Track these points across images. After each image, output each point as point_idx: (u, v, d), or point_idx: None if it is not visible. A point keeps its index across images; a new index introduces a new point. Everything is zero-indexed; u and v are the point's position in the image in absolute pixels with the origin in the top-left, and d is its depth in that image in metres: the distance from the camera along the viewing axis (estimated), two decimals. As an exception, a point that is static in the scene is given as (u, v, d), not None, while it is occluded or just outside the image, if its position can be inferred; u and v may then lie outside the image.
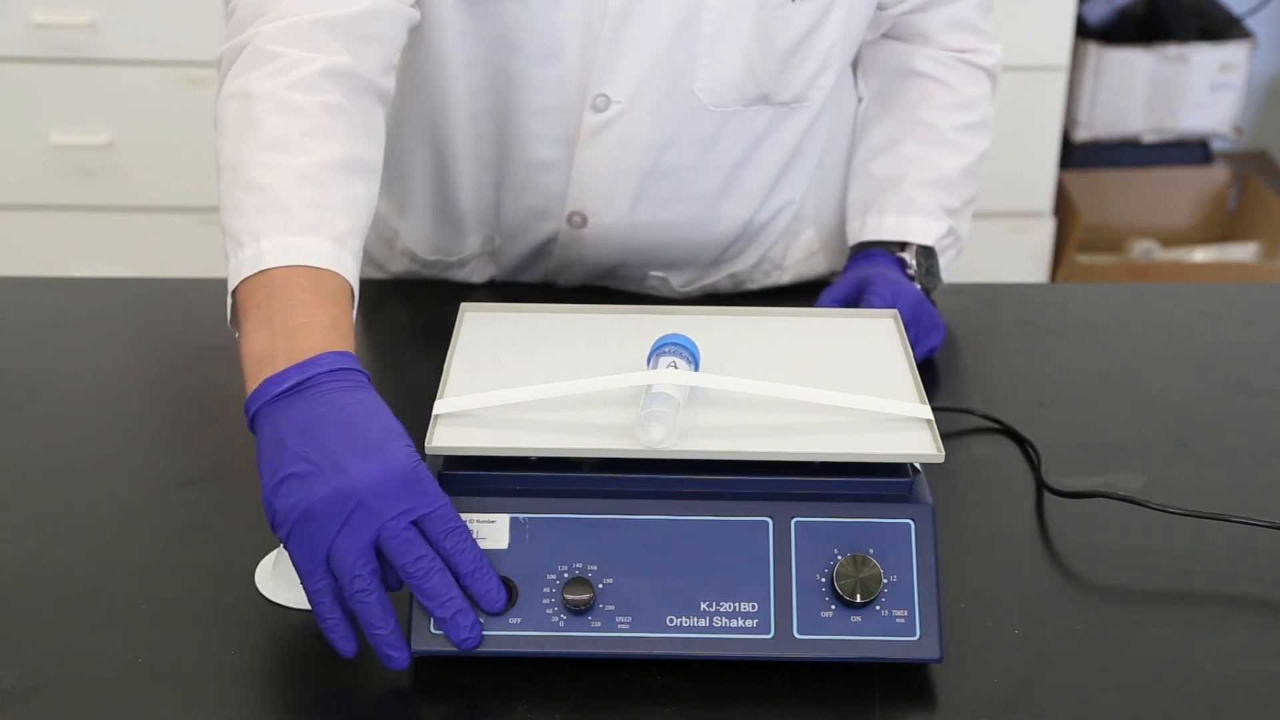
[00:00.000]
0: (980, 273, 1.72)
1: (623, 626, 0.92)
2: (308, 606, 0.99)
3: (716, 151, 1.38)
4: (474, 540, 0.92)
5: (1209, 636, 0.99)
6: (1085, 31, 3.18)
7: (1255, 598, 1.04)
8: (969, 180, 1.45)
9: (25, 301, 1.48)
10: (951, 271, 1.45)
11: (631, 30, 1.29)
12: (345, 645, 0.92)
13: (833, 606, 0.93)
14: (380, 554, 0.90)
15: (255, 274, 0.99)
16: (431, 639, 0.92)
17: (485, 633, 0.92)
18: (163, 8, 2.88)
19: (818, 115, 1.40)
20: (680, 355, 1.02)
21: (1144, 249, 3.22)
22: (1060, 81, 3.02)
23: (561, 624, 0.92)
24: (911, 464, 0.97)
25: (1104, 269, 3.15)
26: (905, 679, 0.94)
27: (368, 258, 1.57)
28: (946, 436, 1.08)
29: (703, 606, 0.93)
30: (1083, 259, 3.16)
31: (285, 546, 0.91)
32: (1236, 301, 1.54)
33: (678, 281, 1.49)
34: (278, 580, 1.02)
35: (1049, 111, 3.04)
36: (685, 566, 0.93)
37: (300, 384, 0.93)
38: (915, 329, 1.31)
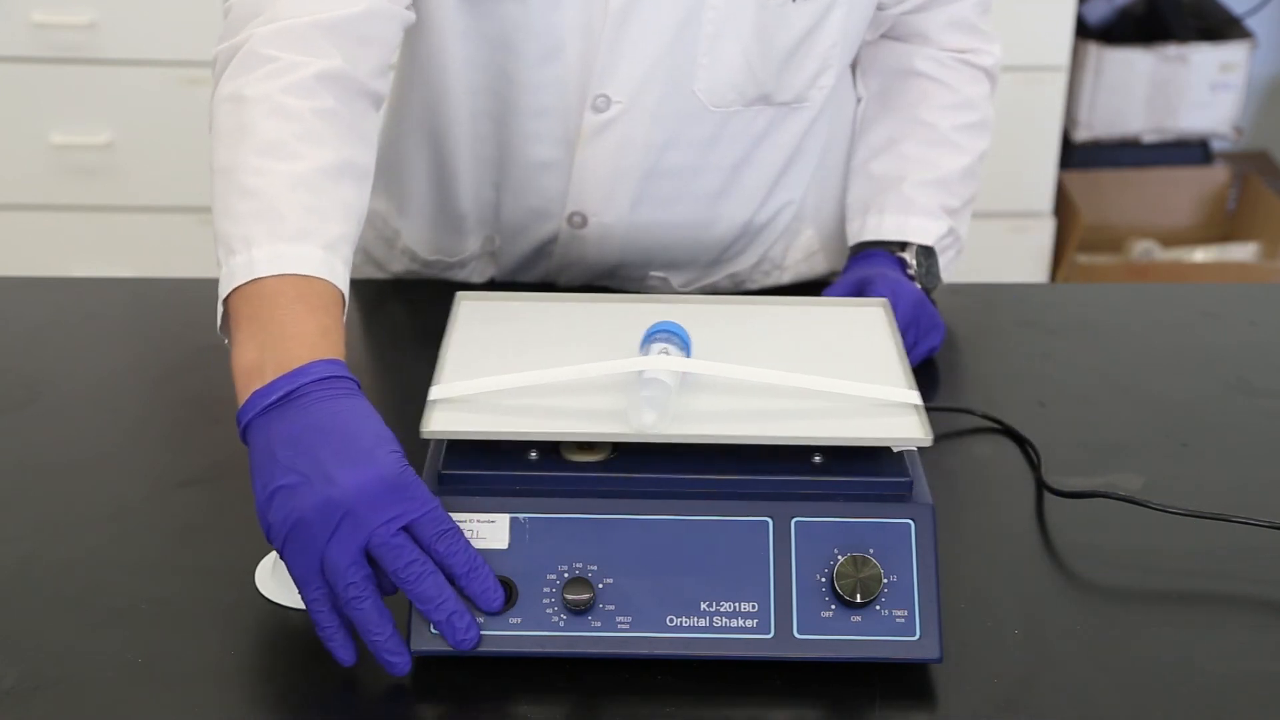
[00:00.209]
0: (980, 273, 1.72)
1: (623, 626, 0.92)
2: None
3: (717, 151, 1.38)
4: (467, 542, 0.91)
5: (1209, 636, 0.99)
6: (1085, 31, 3.18)
7: (1255, 598, 1.04)
8: (969, 180, 1.45)
9: (25, 301, 1.48)
10: (951, 271, 1.45)
11: (632, 30, 1.29)
12: (343, 654, 0.92)
13: (833, 606, 0.93)
14: (375, 560, 0.90)
15: (246, 283, 0.99)
16: (431, 639, 0.92)
17: (485, 633, 0.92)
18: (163, 8, 2.88)
19: (818, 115, 1.40)
20: (672, 342, 1.03)
21: (1144, 249, 3.22)
22: (1060, 81, 3.02)
23: (561, 624, 0.92)
24: (910, 464, 0.97)
25: (1104, 269, 3.15)
26: (905, 679, 0.94)
27: (368, 258, 1.57)
28: (946, 436, 1.08)
29: (703, 606, 0.93)
30: (1083, 259, 3.16)
31: (281, 557, 0.91)
32: (1236, 301, 1.54)
33: (678, 281, 1.49)
34: (278, 580, 1.02)
35: (1049, 111, 3.04)
36: (685, 566, 0.93)
37: (289, 394, 0.93)
38: (915, 329, 1.31)
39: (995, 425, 1.25)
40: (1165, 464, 1.20)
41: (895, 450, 0.97)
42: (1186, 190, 3.30)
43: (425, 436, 0.94)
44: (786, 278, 1.53)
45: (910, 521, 0.94)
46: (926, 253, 1.40)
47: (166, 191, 3.01)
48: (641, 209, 1.40)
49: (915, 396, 0.99)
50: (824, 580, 0.93)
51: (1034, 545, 1.09)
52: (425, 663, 0.94)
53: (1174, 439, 1.24)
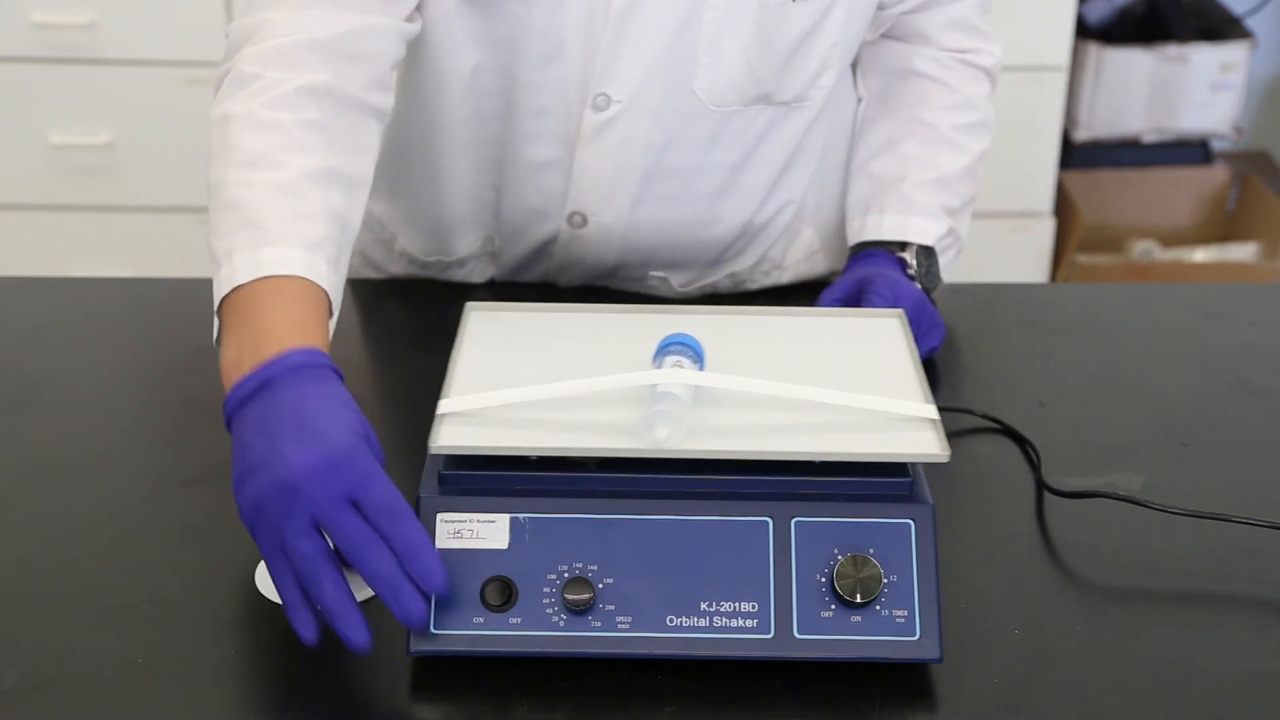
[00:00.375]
0: (980, 273, 1.72)
1: (623, 626, 0.92)
2: (308, 606, 0.99)
3: (717, 151, 1.38)
4: (414, 522, 0.90)
5: (1209, 636, 0.99)
6: (1085, 31, 3.18)
7: (1255, 598, 1.04)
8: (969, 180, 1.45)
9: (25, 301, 1.48)
10: (951, 272, 1.45)
11: (633, 29, 1.29)
12: (305, 631, 0.92)
13: (833, 606, 0.93)
14: None
15: (230, 292, 1.03)
16: (431, 639, 0.92)
17: (485, 633, 0.92)
18: (163, 8, 2.88)
19: (818, 115, 1.40)
20: (685, 355, 1.02)
21: (1144, 249, 3.22)
22: (1060, 81, 3.02)
23: (561, 624, 0.92)
24: (911, 465, 0.97)
25: (1104, 269, 3.15)
26: (905, 679, 0.94)
27: (366, 261, 1.57)
28: (946, 437, 1.07)
29: (703, 606, 0.93)
30: (1083, 259, 3.16)
31: (255, 540, 0.93)
32: (1237, 301, 1.54)
33: (678, 281, 1.49)
34: (278, 580, 1.02)
35: (1049, 111, 3.04)
36: (685, 566, 0.93)
37: (262, 384, 0.96)
38: (916, 329, 1.31)
39: (995, 425, 1.25)
40: (1165, 464, 1.20)
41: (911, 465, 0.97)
42: (1186, 190, 3.30)
43: (434, 452, 0.94)
44: (786, 277, 1.53)
45: (910, 521, 0.94)
46: (927, 253, 1.40)
47: (166, 191, 3.01)
48: (642, 208, 1.40)
49: (932, 411, 0.99)
50: (824, 580, 0.93)
51: (1034, 545, 1.09)
52: (425, 662, 0.94)
53: (1174, 439, 1.24)
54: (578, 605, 0.92)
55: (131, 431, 1.24)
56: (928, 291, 1.38)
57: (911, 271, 1.38)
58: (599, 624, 0.92)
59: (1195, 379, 1.35)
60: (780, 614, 0.92)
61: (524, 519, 0.94)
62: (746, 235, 1.47)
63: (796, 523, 0.94)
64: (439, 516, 0.94)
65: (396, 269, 1.54)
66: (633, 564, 0.93)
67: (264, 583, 1.02)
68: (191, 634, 0.98)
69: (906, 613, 0.92)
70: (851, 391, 0.99)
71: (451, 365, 1.04)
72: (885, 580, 0.92)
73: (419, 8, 1.26)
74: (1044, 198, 3.11)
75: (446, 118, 1.38)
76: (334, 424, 0.93)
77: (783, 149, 1.41)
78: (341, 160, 1.13)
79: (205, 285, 1.48)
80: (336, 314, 1.09)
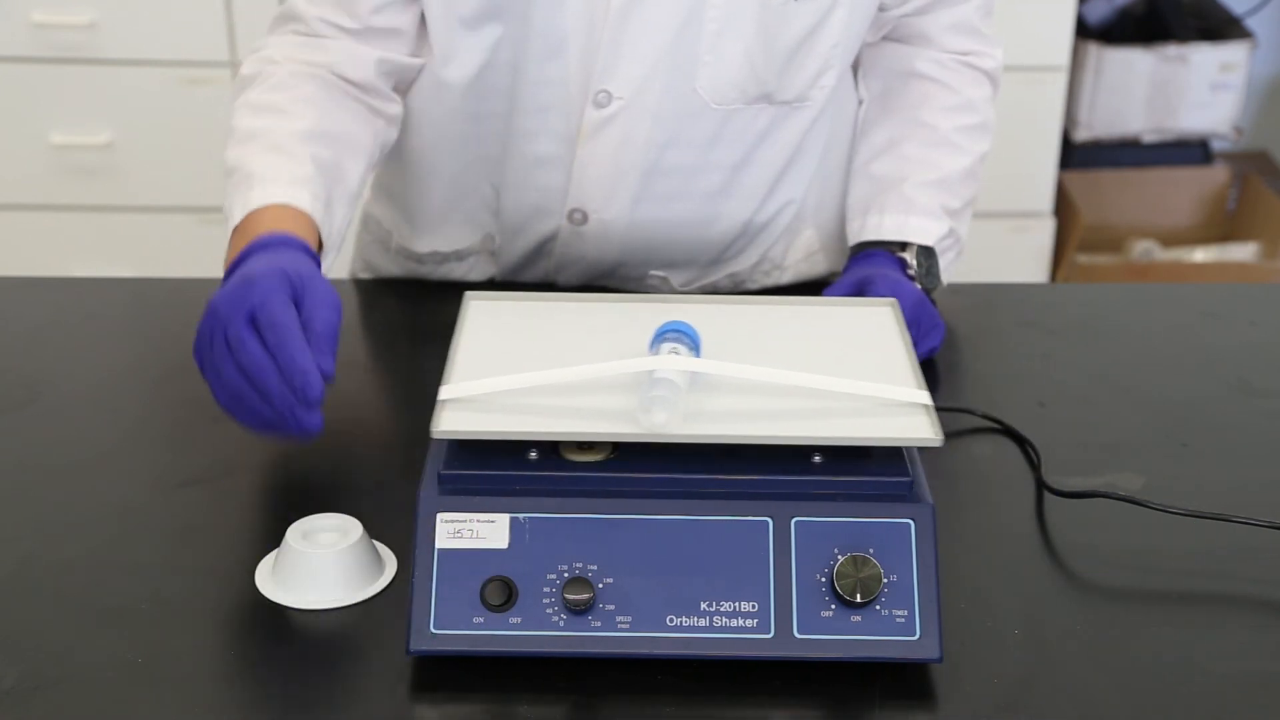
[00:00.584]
0: (980, 273, 1.72)
1: (623, 626, 0.92)
2: (308, 606, 1.00)
3: (718, 150, 1.38)
4: (294, 338, 1.01)
5: (1209, 636, 0.99)
6: (1085, 31, 3.18)
7: (1255, 598, 1.04)
8: (969, 182, 1.45)
9: (25, 301, 1.48)
10: (951, 273, 1.45)
11: (633, 26, 1.29)
12: (300, 424, 1.02)
13: (833, 606, 0.93)
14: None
15: (231, 234, 1.18)
16: (431, 639, 0.92)
17: (485, 633, 0.92)
18: (163, 8, 2.88)
19: (819, 115, 1.40)
20: (682, 342, 1.03)
21: (1144, 249, 3.22)
22: (1060, 81, 3.02)
23: (561, 624, 0.92)
24: (910, 463, 0.97)
25: (1104, 269, 3.15)
26: (905, 679, 0.94)
27: (366, 263, 1.57)
28: (947, 436, 1.08)
29: (703, 606, 0.93)
30: (1083, 259, 3.16)
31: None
32: (1237, 301, 1.54)
33: (678, 281, 1.49)
34: (278, 580, 1.02)
35: (1049, 111, 3.04)
36: (685, 566, 0.93)
37: (232, 268, 1.10)
38: (916, 329, 1.31)
39: (995, 425, 1.25)
40: (1165, 464, 1.20)
41: (905, 450, 0.97)
42: (1186, 190, 3.30)
43: (436, 436, 0.94)
44: (786, 277, 1.53)
45: (910, 521, 0.94)
46: (927, 253, 1.40)
47: (166, 191, 3.01)
48: (642, 206, 1.40)
49: (925, 396, 0.99)
50: (824, 580, 0.93)
51: (1034, 545, 1.09)
52: (425, 662, 0.94)
53: (1174, 439, 1.24)
54: (578, 605, 0.92)
55: (131, 431, 1.24)
56: (928, 292, 1.38)
57: (911, 272, 1.38)
58: (599, 624, 0.92)
59: (1195, 379, 1.35)
60: (780, 614, 0.92)
61: (524, 519, 0.94)
62: (747, 235, 1.47)
63: (796, 522, 0.94)
64: (439, 516, 0.94)
65: (395, 269, 1.54)
66: (633, 564, 0.93)
67: (264, 582, 1.02)
68: (191, 634, 0.98)
69: (906, 612, 0.92)
70: (845, 378, 0.99)
71: (452, 353, 1.04)
72: (885, 580, 0.92)
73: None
74: (1044, 198, 3.11)
75: (447, 114, 1.38)
76: (260, 264, 1.07)
77: (783, 149, 1.41)
78: (330, 123, 1.26)
79: (205, 285, 1.49)
80: (336, 251, 1.24)
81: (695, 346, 1.03)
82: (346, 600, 1.00)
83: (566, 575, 0.93)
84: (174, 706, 0.92)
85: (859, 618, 0.92)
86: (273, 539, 1.04)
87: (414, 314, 1.48)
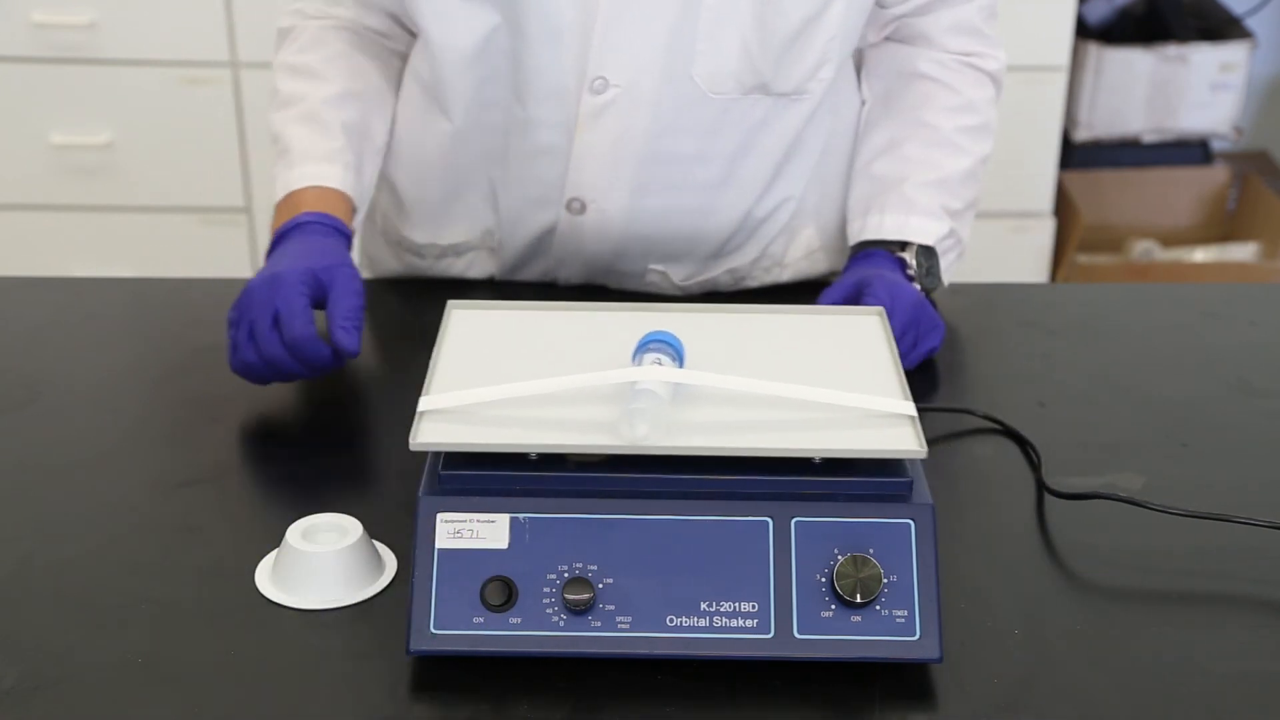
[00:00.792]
0: (980, 273, 1.72)
1: (623, 626, 0.92)
2: (308, 606, 1.00)
3: (715, 140, 1.38)
4: (308, 340, 1.19)
5: (1209, 636, 0.99)
6: (1085, 31, 3.18)
7: (1255, 598, 1.04)
8: (970, 182, 1.45)
9: (25, 301, 1.48)
10: (952, 274, 1.45)
11: (631, 12, 1.30)
12: (338, 346, 1.22)
13: (833, 606, 0.93)
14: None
15: (275, 206, 1.36)
16: (431, 639, 0.92)
17: (485, 633, 0.92)
18: (163, 8, 2.88)
19: (817, 109, 1.40)
20: (665, 352, 1.02)
21: (1144, 249, 3.22)
22: (1060, 81, 3.02)
23: (561, 624, 0.92)
24: (910, 464, 0.97)
25: (1104, 269, 3.15)
26: (905, 679, 0.94)
27: (366, 260, 1.57)
28: (946, 436, 1.08)
29: (703, 606, 0.93)
30: (1083, 259, 3.16)
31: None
32: (1237, 301, 1.54)
33: (678, 276, 1.49)
34: (278, 580, 1.02)
35: (1049, 111, 3.04)
36: (685, 566, 0.93)
37: (275, 241, 1.31)
38: (915, 329, 1.31)
39: (995, 425, 1.25)
40: (1165, 464, 1.20)
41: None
42: (1186, 190, 3.30)
43: (414, 448, 0.94)
44: (786, 275, 1.53)
45: (910, 521, 0.94)
46: (927, 253, 1.40)
47: (166, 191, 3.01)
48: (640, 196, 1.40)
49: (910, 408, 0.99)
50: (824, 580, 0.93)
51: (1034, 545, 1.09)
52: (425, 663, 0.94)
53: (1174, 439, 1.24)
54: (578, 605, 0.92)
55: (131, 431, 1.24)
56: (928, 292, 1.38)
57: (911, 272, 1.38)
58: (599, 624, 0.92)
59: (1195, 379, 1.35)
60: (780, 614, 0.92)
61: (524, 519, 0.94)
62: (745, 229, 1.47)
63: (796, 523, 0.94)
64: (439, 516, 0.94)
65: (396, 264, 1.54)
66: (633, 564, 0.93)
67: (264, 582, 1.02)
68: (191, 634, 0.98)
69: (906, 613, 0.92)
70: (829, 389, 0.99)
71: (433, 364, 1.04)
72: (885, 580, 0.92)
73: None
74: (1044, 198, 3.11)
75: (448, 105, 1.38)
76: (290, 256, 1.25)
77: (781, 141, 1.41)
78: (358, 82, 1.41)
79: (205, 285, 1.49)
80: (365, 207, 1.40)
81: (679, 357, 1.03)
82: (346, 600, 1.00)
83: (566, 575, 0.93)
84: (174, 706, 0.92)
85: (859, 618, 0.92)
86: (273, 539, 1.04)
87: (415, 313, 1.48)
